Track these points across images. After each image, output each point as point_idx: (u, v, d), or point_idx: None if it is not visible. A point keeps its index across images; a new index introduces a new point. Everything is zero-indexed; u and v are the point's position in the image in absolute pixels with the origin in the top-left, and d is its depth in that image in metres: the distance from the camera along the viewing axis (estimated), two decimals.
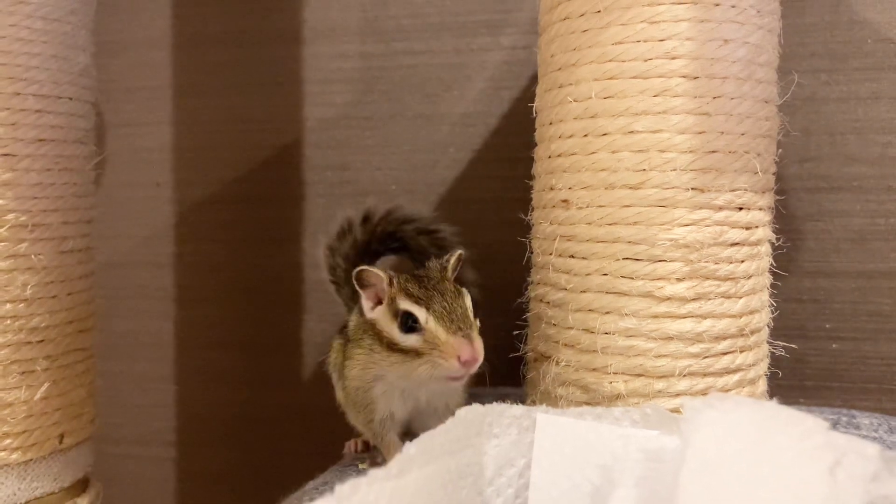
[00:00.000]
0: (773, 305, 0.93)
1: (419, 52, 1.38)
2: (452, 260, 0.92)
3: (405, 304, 0.86)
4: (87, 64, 1.09)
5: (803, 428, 0.58)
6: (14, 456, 1.00)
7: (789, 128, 0.94)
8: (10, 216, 0.98)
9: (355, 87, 1.41)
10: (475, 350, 0.84)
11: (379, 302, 0.90)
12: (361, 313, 0.92)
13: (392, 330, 0.87)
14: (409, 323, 0.85)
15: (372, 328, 0.89)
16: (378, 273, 0.88)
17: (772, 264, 0.92)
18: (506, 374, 0.97)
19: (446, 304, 0.86)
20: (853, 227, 1.24)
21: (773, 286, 0.93)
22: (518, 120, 1.32)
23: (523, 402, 0.83)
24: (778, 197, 0.94)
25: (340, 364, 0.98)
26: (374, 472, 0.56)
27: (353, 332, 0.94)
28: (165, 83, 1.50)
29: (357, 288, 0.90)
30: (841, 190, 1.24)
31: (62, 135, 1.04)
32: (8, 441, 0.99)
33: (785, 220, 1.18)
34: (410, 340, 0.85)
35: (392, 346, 0.87)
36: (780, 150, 0.92)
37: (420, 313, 0.85)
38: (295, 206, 1.45)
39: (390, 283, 0.88)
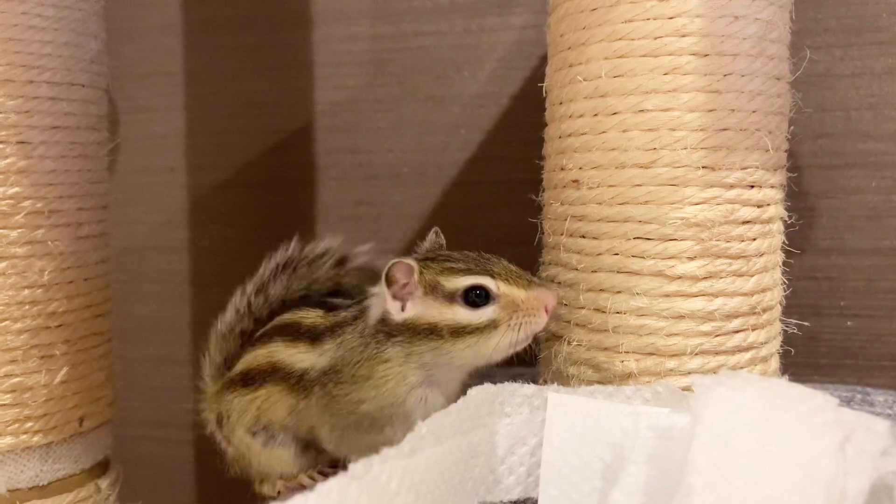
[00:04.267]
0: (786, 283, 0.92)
1: (429, 34, 1.38)
2: (441, 237, 0.90)
3: (464, 281, 0.80)
4: (99, 50, 1.10)
5: (813, 404, 0.58)
6: (35, 438, 1.01)
7: (803, 104, 0.93)
8: (27, 203, 1.00)
9: (366, 70, 1.41)
10: (554, 294, 0.81)
11: (399, 299, 0.82)
12: (362, 330, 0.85)
13: (455, 314, 0.80)
14: (476, 297, 0.80)
15: (407, 330, 0.82)
16: (410, 264, 0.81)
17: (785, 242, 0.92)
18: (518, 354, 0.98)
19: (501, 265, 0.82)
20: (868, 204, 1.23)
21: (786, 264, 0.92)
22: (529, 100, 1.31)
23: (535, 381, 0.83)
24: (792, 174, 0.93)
25: (316, 404, 0.87)
26: (387, 451, 0.56)
27: (357, 355, 0.84)
28: (177, 69, 1.50)
29: (384, 287, 0.81)
30: (855, 167, 1.23)
31: (76, 122, 1.05)
32: (29, 424, 1.01)
33: (799, 198, 1.18)
34: (486, 314, 0.80)
35: (459, 332, 0.80)
36: (792, 128, 0.91)
37: (488, 282, 0.80)
38: (307, 190, 1.46)
39: (421, 273, 0.81)
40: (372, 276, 0.97)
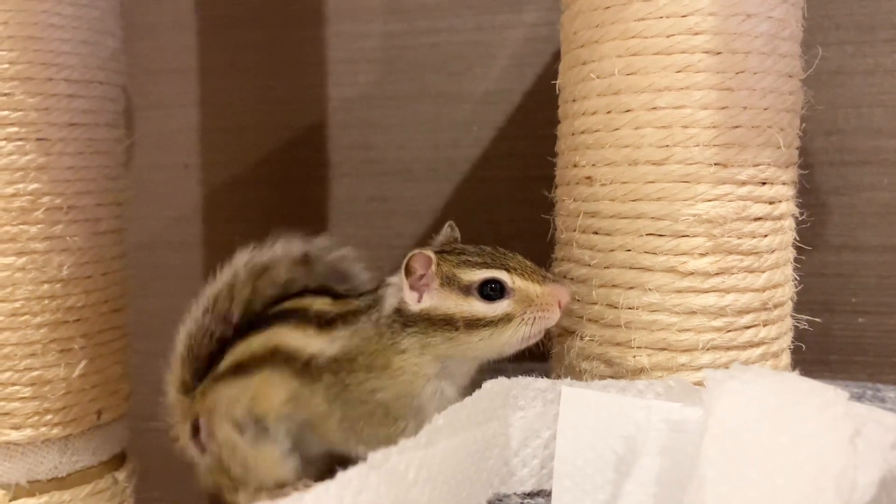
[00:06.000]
0: (798, 280, 0.93)
1: (441, 30, 1.39)
2: (456, 230, 0.91)
3: (481, 274, 0.81)
4: (116, 48, 1.11)
5: (824, 398, 0.59)
6: (55, 431, 1.03)
7: (815, 101, 0.93)
8: (46, 199, 1.01)
9: (378, 67, 1.42)
10: (567, 290, 0.83)
11: (416, 290, 0.83)
12: (377, 319, 0.85)
13: (471, 306, 0.81)
14: (491, 290, 0.81)
15: (423, 321, 0.83)
16: (429, 255, 0.82)
17: (796, 239, 0.92)
18: (530, 349, 0.99)
19: (517, 259, 0.83)
20: (879, 200, 1.23)
21: (798, 261, 0.93)
22: (541, 97, 1.32)
23: (548, 376, 0.84)
24: (803, 171, 0.93)
25: (324, 394, 0.86)
26: (405, 442, 0.57)
27: (373, 345, 0.85)
28: (192, 65, 1.51)
29: (403, 278, 0.82)
30: (867, 163, 1.23)
31: (94, 118, 1.06)
32: (49, 417, 1.02)
33: (811, 194, 1.18)
34: (501, 307, 0.81)
35: (473, 324, 0.81)
36: (804, 125, 0.92)
37: (503, 276, 0.81)
38: (320, 186, 1.47)
39: (438, 264, 0.82)
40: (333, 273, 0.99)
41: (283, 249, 0.98)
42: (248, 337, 0.93)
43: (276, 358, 0.89)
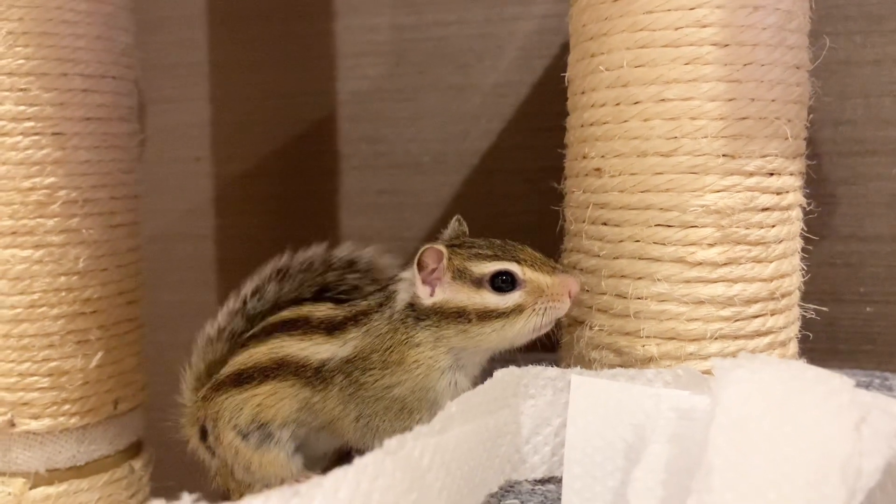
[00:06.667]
0: (806, 270, 0.93)
1: (450, 23, 1.39)
2: (464, 224, 0.91)
3: (492, 267, 0.83)
4: (129, 43, 1.12)
5: (829, 386, 0.60)
6: (73, 420, 1.05)
7: (823, 92, 0.94)
8: (62, 193, 1.02)
9: (387, 60, 1.43)
10: (577, 280, 0.84)
11: (428, 284, 0.84)
12: (390, 315, 0.86)
13: (483, 298, 0.82)
14: (502, 282, 0.82)
15: (435, 314, 0.84)
16: (440, 249, 0.83)
17: (804, 229, 0.93)
18: (540, 339, 0.99)
19: (527, 252, 0.84)
20: (888, 190, 1.23)
21: (806, 251, 0.93)
22: (550, 89, 1.32)
23: (558, 366, 0.85)
24: (812, 161, 0.94)
25: (338, 395, 0.87)
26: (419, 428, 0.59)
27: (387, 341, 0.86)
28: (202, 60, 1.52)
29: (416, 272, 0.84)
30: (876, 153, 1.23)
31: (108, 113, 1.07)
32: (66, 407, 1.04)
33: (819, 185, 1.18)
34: (513, 298, 0.82)
35: (486, 316, 0.82)
36: (812, 115, 0.92)
37: (514, 268, 0.82)
38: (330, 179, 1.48)
39: (449, 258, 0.83)
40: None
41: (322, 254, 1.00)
42: (248, 347, 0.93)
43: (284, 370, 0.89)
